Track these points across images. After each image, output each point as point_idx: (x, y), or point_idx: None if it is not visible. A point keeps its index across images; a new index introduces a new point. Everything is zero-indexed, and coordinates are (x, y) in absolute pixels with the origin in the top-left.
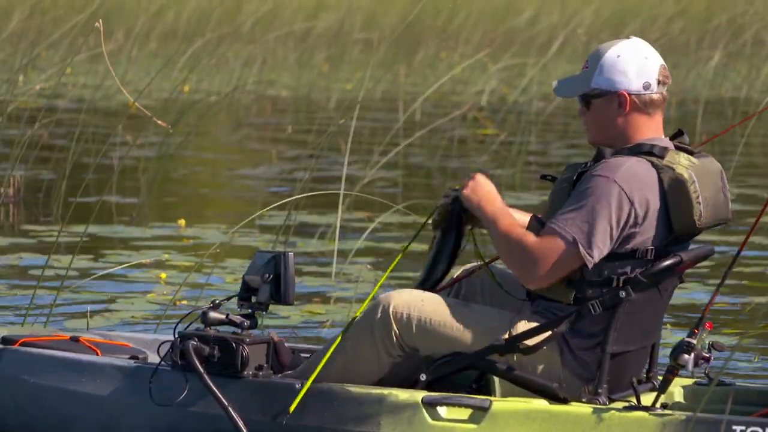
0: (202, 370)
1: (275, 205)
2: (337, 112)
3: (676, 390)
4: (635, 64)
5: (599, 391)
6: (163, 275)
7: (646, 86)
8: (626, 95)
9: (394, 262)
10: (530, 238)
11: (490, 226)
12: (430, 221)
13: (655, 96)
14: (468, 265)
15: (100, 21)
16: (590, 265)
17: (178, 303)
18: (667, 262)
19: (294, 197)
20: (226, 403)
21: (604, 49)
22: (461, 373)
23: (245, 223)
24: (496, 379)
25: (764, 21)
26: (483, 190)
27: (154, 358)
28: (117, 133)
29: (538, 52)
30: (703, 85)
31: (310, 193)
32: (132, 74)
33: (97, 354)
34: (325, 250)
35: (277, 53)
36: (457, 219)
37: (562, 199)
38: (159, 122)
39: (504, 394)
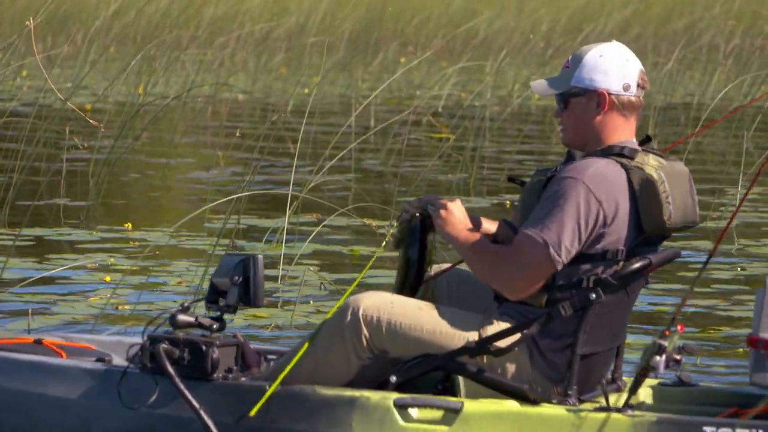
0: (173, 372)
1: (211, 205)
2: (295, 115)
3: (642, 391)
4: (617, 64)
5: (569, 392)
6: (108, 278)
7: (626, 87)
8: (606, 94)
9: (365, 270)
10: (504, 250)
11: (464, 251)
12: (390, 238)
13: (633, 98)
14: (434, 267)
15: (32, 19)
16: (559, 267)
17: (120, 307)
18: (637, 265)
19: (232, 197)
20: (197, 406)
21: (587, 49)
22: (428, 375)
23: (190, 225)
24: (462, 380)
25: (720, 27)
26: (456, 219)
27: (118, 361)
28: (66, 136)
29: (496, 56)
30: (657, 91)
31: (247, 193)
32: (89, 78)
33: (62, 357)
34: (273, 254)
35: (236, 57)
36: (420, 233)
37: (531, 204)
38: (91, 121)
39: (469, 395)
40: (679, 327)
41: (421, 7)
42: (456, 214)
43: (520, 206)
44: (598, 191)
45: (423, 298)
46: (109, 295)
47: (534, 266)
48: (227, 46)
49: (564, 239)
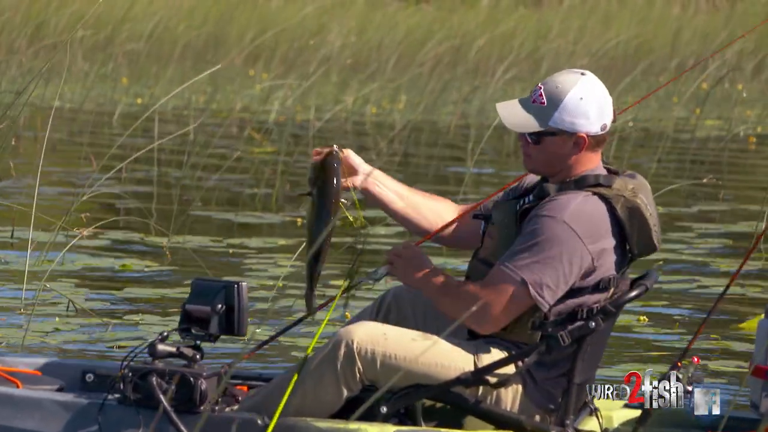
0: (169, 406)
1: None
2: (120, 127)
3: (614, 415)
4: (596, 106)
5: (566, 422)
6: None
7: (603, 127)
8: (586, 138)
9: (338, 295)
10: (474, 285)
11: (428, 288)
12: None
13: (607, 134)
14: (392, 283)
15: None
16: (545, 308)
17: None
18: (635, 293)
19: None
20: None
21: (564, 87)
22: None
23: None
24: (420, 409)
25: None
26: (414, 263)
27: (71, 389)
28: None
29: (341, 71)
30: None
31: None
32: None
33: (18, 385)
34: (39, 270)
35: (77, 64)
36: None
37: (508, 236)
38: None
39: (427, 423)
40: (694, 359)
41: (268, 20)
42: (413, 256)
43: (495, 242)
44: (582, 230)
45: (385, 320)
46: None
47: (509, 304)
48: (69, 52)
49: (545, 279)
